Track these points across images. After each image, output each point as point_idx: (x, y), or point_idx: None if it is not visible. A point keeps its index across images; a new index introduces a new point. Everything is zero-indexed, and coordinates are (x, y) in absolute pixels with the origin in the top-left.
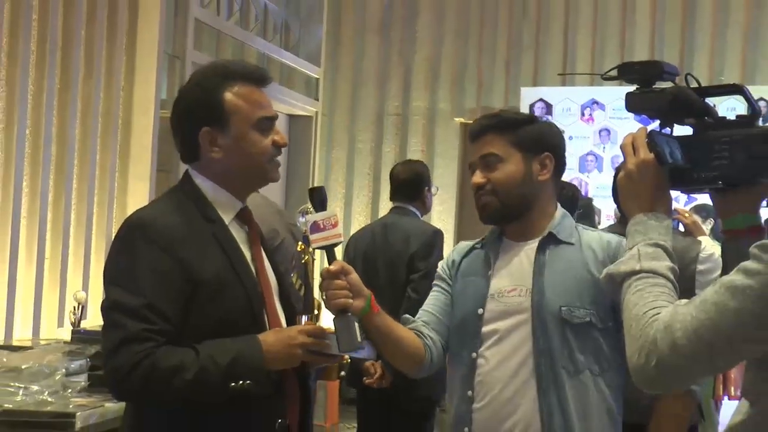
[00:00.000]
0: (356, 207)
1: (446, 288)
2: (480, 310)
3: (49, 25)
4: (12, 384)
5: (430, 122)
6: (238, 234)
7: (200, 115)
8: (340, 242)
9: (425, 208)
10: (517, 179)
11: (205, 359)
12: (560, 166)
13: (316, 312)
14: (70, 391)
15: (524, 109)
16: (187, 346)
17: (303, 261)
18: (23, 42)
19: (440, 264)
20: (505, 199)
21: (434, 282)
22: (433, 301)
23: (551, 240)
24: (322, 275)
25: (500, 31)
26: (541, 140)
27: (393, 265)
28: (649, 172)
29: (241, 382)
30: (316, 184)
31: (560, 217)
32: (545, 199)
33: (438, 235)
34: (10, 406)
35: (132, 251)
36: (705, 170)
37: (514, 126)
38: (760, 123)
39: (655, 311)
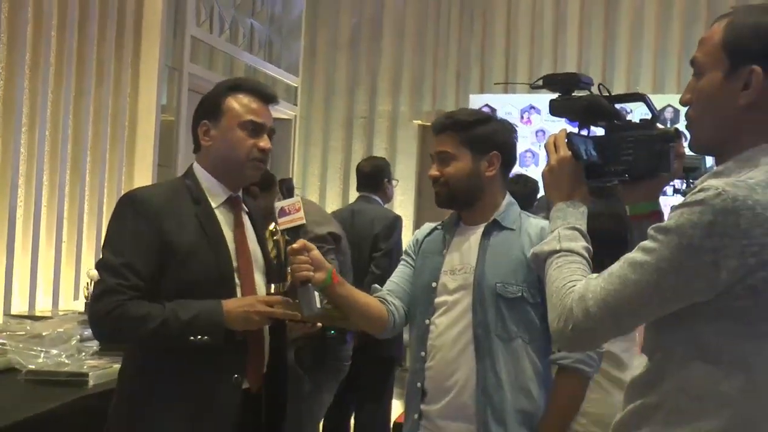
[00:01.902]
0: (329, 197)
1: (411, 262)
2: (434, 283)
3: (66, 43)
4: (35, 348)
5: (392, 124)
6: (224, 217)
7: (203, 112)
8: (303, 224)
9: (387, 197)
10: (466, 174)
11: (169, 313)
12: (508, 162)
13: (285, 282)
14: (83, 354)
15: None
16: (159, 302)
17: (275, 239)
18: (44, 57)
19: (408, 241)
20: (455, 190)
21: (402, 257)
22: (399, 273)
23: (495, 226)
24: (287, 252)
25: (452, 46)
26: (491, 140)
27: (359, 244)
28: (568, 167)
29: (199, 336)
30: (294, 178)
31: (505, 206)
32: (493, 191)
33: (398, 219)
34: (33, 366)
35: (121, 219)
36: (615, 165)
37: (466, 127)
38: (660, 126)
39: (572, 284)
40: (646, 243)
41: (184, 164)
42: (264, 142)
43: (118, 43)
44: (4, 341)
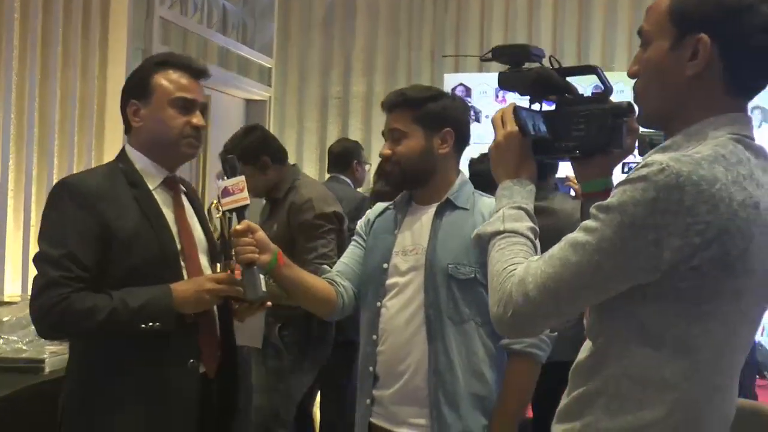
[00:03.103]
0: None
1: (361, 243)
2: (385, 265)
3: (30, 24)
4: None
5: (367, 105)
6: (163, 198)
7: (131, 91)
8: (247, 204)
9: (357, 180)
10: (418, 152)
11: (117, 302)
12: (461, 139)
13: (231, 261)
14: (44, 340)
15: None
16: (104, 292)
17: (217, 217)
18: (6, 40)
19: (359, 222)
20: (407, 169)
21: (353, 237)
22: (350, 253)
23: (448, 205)
24: (231, 234)
25: (425, 26)
26: (443, 117)
27: None
28: (514, 143)
29: (150, 324)
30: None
31: (459, 185)
32: (446, 169)
33: (365, 200)
34: None
35: (57, 208)
36: (565, 141)
37: (417, 104)
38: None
39: (513, 267)
40: (588, 222)
41: None
42: (197, 119)
43: (85, 24)
44: None
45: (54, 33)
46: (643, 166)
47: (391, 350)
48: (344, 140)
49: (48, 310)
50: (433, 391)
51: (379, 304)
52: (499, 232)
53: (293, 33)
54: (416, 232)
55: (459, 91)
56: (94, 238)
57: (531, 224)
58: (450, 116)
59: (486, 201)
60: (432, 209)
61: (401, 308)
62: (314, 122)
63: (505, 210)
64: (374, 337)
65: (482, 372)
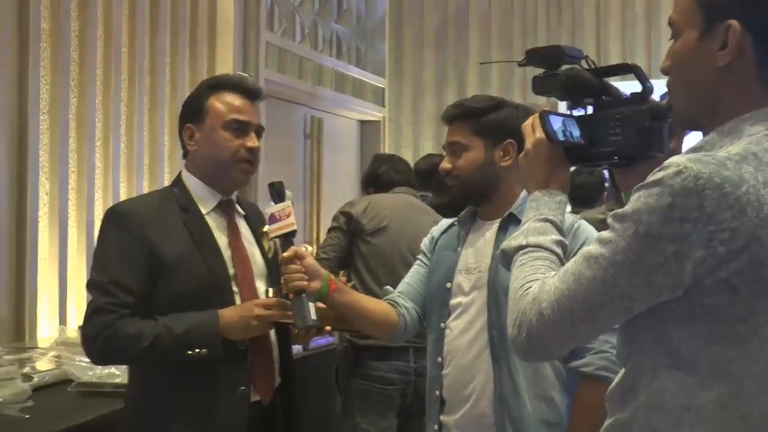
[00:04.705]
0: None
1: (425, 262)
2: (448, 284)
3: (137, 57)
4: (86, 360)
5: None
6: (217, 222)
7: (186, 115)
8: (294, 230)
9: None
10: (479, 166)
11: (161, 328)
12: None
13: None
14: None
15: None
16: (152, 318)
17: (270, 241)
18: (114, 71)
19: (423, 240)
20: (467, 183)
21: (417, 256)
22: (413, 273)
23: (512, 220)
24: (279, 262)
25: (540, 37)
26: (505, 127)
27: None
28: (543, 151)
29: (197, 350)
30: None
31: (523, 199)
32: (509, 182)
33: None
34: (85, 378)
35: (105, 234)
36: (602, 146)
37: (476, 115)
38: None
39: (529, 284)
40: (603, 233)
41: (263, 170)
42: (251, 141)
43: (192, 53)
44: (60, 354)
45: (161, 63)
46: (659, 170)
47: (455, 373)
48: (431, 156)
49: (94, 338)
50: (500, 418)
51: (442, 325)
52: (521, 247)
53: (406, 52)
54: (479, 249)
55: None
56: (141, 263)
57: (557, 237)
58: (512, 127)
59: None
60: (495, 225)
61: (464, 329)
62: (430, 141)
63: (530, 223)
64: (439, 359)
65: (551, 396)
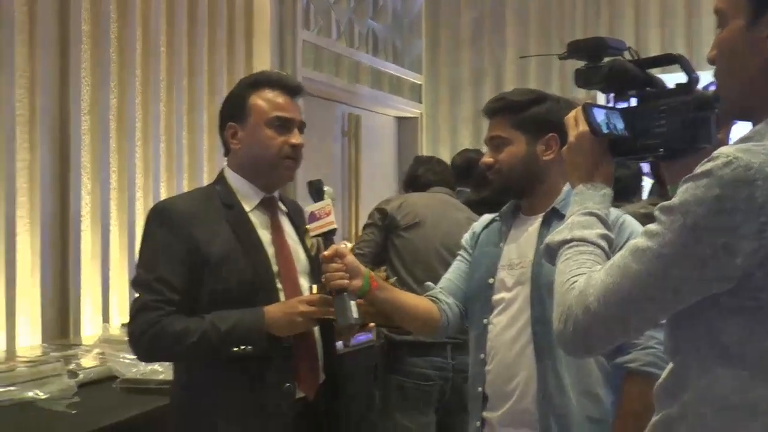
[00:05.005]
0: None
1: (467, 257)
2: (491, 280)
3: (176, 57)
4: (131, 357)
5: None
6: (260, 220)
7: (228, 114)
8: (334, 228)
9: None
10: (520, 160)
11: (207, 325)
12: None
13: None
14: None
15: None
16: (198, 315)
17: (311, 238)
18: (153, 72)
19: (464, 236)
20: (509, 177)
21: (458, 252)
22: (454, 269)
23: (555, 215)
24: (320, 260)
25: (577, 30)
26: (547, 121)
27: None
28: (586, 144)
29: (243, 347)
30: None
31: (566, 193)
32: (552, 176)
33: None
34: (129, 375)
35: (149, 232)
36: (647, 139)
37: (518, 109)
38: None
39: (575, 278)
40: (651, 226)
41: (301, 168)
42: (295, 138)
43: (230, 53)
44: (104, 351)
45: (199, 63)
46: (708, 160)
47: (498, 369)
48: (467, 151)
49: (140, 335)
50: (544, 415)
51: (485, 320)
52: (566, 241)
53: (442, 47)
54: (522, 245)
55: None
56: (185, 261)
57: (602, 231)
58: (554, 120)
59: None
60: (538, 220)
61: (507, 325)
62: (467, 136)
63: (575, 217)
64: (482, 356)
65: (596, 393)
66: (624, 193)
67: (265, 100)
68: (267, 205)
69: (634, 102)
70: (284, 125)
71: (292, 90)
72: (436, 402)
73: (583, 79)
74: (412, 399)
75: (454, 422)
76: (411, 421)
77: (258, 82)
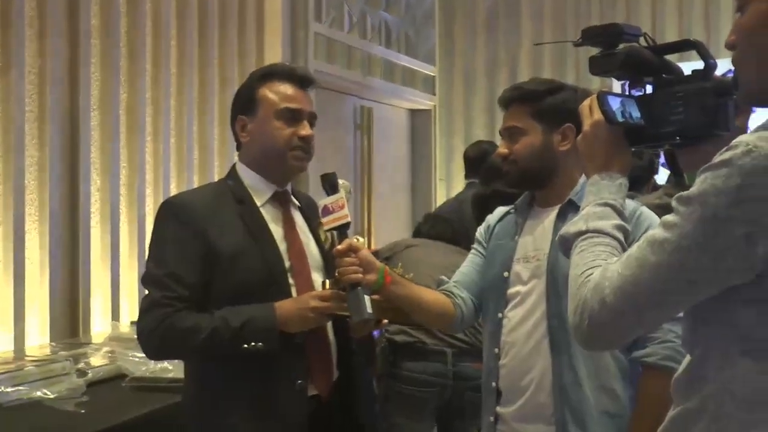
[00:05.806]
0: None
1: (481, 251)
2: (506, 273)
3: (187, 50)
4: (140, 355)
5: None
6: (272, 214)
7: (238, 107)
8: (348, 222)
9: None
10: (536, 150)
11: (218, 321)
12: None
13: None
14: None
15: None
16: (208, 311)
17: (326, 232)
18: (164, 65)
19: (478, 229)
20: (525, 168)
21: (472, 245)
22: (468, 262)
23: (571, 207)
24: (334, 254)
25: (593, 20)
26: (563, 111)
27: (467, 235)
28: (601, 133)
29: (253, 343)
30: (437, 171)
31: (582, 185)
32: (568, 168)
33: None
34: (139, 373)
35: (160, 227)
36: (663, 126)
37: (534, 98)
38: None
39: (591, 271)
40: (668, 217)
41: (314, 162)
42: (305, 130)
43: (241, 45)
44: (113, 349)
45: (210, 57)
46: (727, 149)
47: (513, 364)
48: (480, 143)
49: (150, 332)
50: (559, 409)
51: (500, 315)
52: (581, 233)
53: (456, 39)
54: (538, 237)
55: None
56: (197, 256)
57: (618, 222)
58: (571, 110)
59: None
60: (554, 212)
61: (523, 319)
62: (482, 128)
63: (590, 208)
64: (496, 350)
65: (613, 387)
66: (635, 182)
67: (274, 91)
68: (279, 200)
69: (650, 89)
70: (294, 116)
71: (302, 81)
72: (436, 409)
73: (599, 66)
74: (409, 404)
75: (463, 426)
76: (407, 427)
77: (268, 74)
